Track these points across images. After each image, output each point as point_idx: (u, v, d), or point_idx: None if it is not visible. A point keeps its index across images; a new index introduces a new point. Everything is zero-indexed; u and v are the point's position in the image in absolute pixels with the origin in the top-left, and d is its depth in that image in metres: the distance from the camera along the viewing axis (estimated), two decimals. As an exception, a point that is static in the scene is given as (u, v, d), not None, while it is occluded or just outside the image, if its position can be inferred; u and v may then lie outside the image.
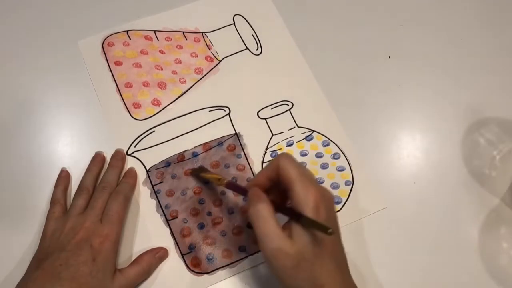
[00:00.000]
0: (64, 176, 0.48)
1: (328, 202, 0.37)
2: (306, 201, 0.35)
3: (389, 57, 0.56)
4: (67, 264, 0.40)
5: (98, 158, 0.49)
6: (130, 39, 0.55)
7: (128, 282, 0.43)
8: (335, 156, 0.50)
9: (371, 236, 0.46)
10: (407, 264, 0.46)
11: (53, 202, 0.46)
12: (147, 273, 0.44)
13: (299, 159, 0.50)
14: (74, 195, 0.46)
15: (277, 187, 0.39)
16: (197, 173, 0.48)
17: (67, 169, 0.49)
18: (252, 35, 0.56)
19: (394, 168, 0.50)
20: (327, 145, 0.51)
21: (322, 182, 0.49)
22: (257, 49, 0.55)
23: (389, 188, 0.49)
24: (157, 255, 0.45)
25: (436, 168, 0.50)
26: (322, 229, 0.34)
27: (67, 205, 0.46)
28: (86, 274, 0.39)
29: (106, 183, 0.46)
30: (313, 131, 0.51)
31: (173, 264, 0.45)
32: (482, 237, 0.47)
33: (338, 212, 0.47)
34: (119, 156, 0.49)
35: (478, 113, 0.53)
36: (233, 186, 0.43)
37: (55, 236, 0.42)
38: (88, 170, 0.48)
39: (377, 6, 0.59)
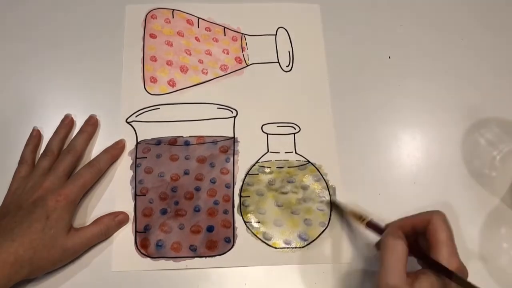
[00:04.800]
0: (34, 136, 0.49)
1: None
2: (448, 266, 0.36)
3: (389, 57, 0.55)
4: (21, 221, 0.41)
5: (66, 121, 0.49)
6: (173, 17, 0.56)
7: (83, 240, 0.43)
8: (321, 194, 0.48)
9: (371, 236, 0.44)
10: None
11: (20, 161, 0.47)
12: (104, 235, 0.45)
13: (282, 182, 0.49)
14: (40, 157, 0.47)
15: (413, 236, 0.40)
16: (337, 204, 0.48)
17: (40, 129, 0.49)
18: (289, 52, 0.55)
19: (394, 168, 0.50)
20: (318, 180, 0.49)
21: (298, 214, 0.47)
22: (287, 66, 0.55)
23: (389, 188, 0.49)
24: (117, 219, 0.45)
25: (436, 168, 0.50)
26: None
27: (34, 165, 0.47)
28: (38, 230, 0.40)
29: (71, 147, 0.47)
30: (309, 162, 0.50)
31: (125, 237, 0.46)
32: (482, 237, 0.47)
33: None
34: (90, 122, 0.50)
35: (478, 113, 0.53)
36: (373, 225, 0.42)
37: (16, 194, 0.44)
38: (55, 132, 0.49)
39: (377, 6, 0.58)
